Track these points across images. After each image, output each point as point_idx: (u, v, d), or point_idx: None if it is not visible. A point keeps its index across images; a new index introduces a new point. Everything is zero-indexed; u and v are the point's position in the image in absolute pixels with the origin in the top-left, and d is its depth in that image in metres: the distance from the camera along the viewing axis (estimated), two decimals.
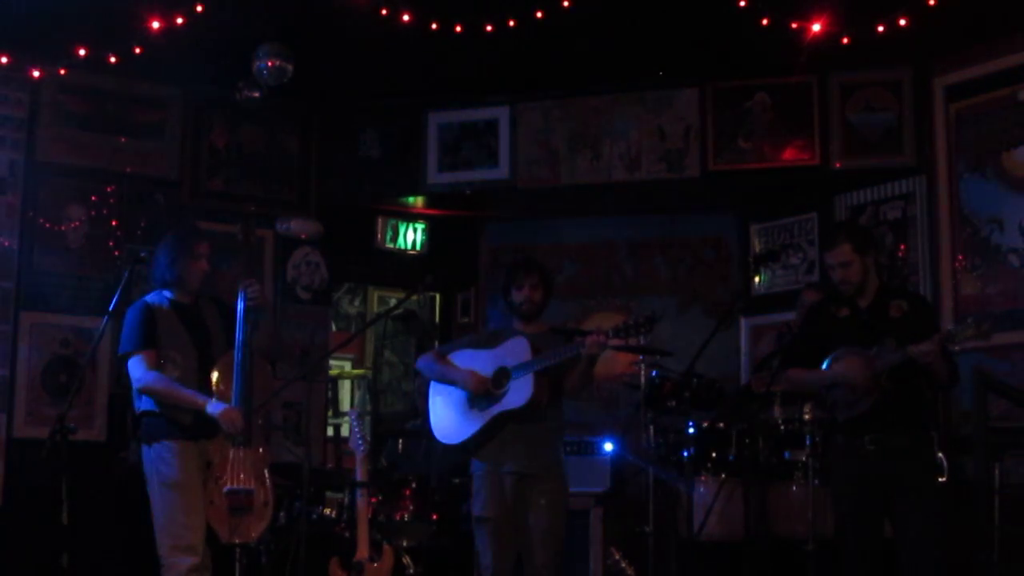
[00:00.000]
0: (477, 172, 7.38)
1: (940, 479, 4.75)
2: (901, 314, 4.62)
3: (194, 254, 4.97)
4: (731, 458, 5.96)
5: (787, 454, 5.90)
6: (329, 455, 7.36)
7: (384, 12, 6.14)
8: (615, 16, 6.26)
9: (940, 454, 4.83)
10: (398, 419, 8.11)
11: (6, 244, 6.43)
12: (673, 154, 7.03)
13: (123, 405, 6.20)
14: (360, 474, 5.48)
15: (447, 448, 5.14)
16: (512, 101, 7.32)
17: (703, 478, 5.98)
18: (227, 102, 6.96)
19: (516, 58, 6.71)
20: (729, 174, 6.97)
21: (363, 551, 5.35)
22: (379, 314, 8.30)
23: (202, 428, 4.82)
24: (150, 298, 4.98)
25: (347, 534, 5.59)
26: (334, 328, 8.38)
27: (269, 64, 6.39)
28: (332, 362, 8.31)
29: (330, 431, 7.69)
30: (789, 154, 6.81)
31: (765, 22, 6.06)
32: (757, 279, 7.46)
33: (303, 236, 7.18)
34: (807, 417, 5.60)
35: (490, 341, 5.02)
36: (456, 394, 5.00)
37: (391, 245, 7.99)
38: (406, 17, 6.19)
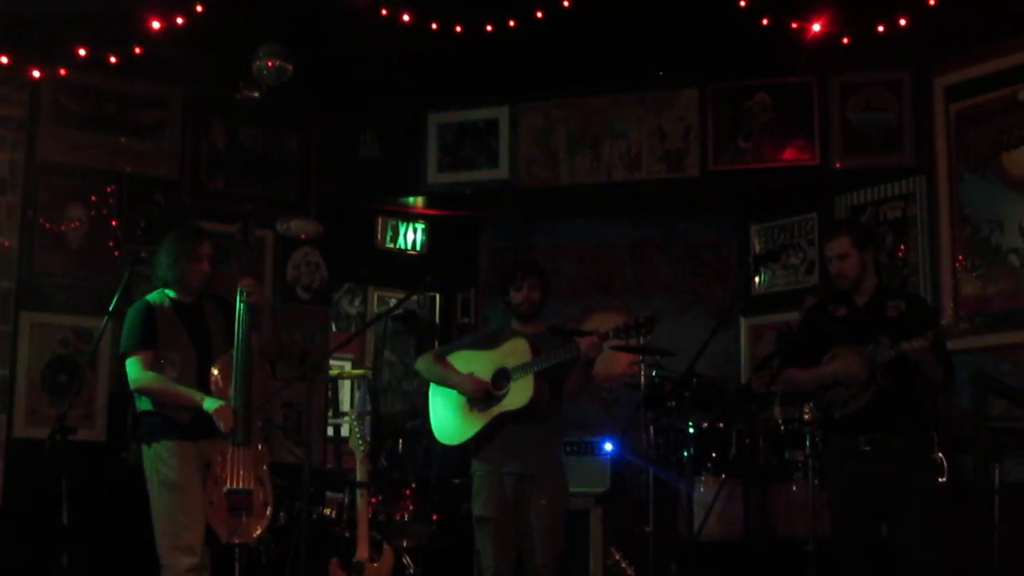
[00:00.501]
0: (477, 172, 7.37)
1: (940, 479, 4.75)
2: (899, 314, 4.62)
3: (195, 255, 4.96)
4: (731, 458, 5.96)
5: (787, 454, 5.91)
6: (329, 455, 7.36)
7: (384, 12, 6.15)
8: (615, 16, 6.26)
9: (940, 454, 4.83)
10: (398, 419, 8.10)
11: (6, 244, 6.43)
12: (673, 154, 7.03)
13: (123, 405, 6.21)
14: (360, 474, 5.48)
15: (447, 448, 5.14)
16: (512, 101, 7.32)
17: (703, 478, 5.99)
18: (227, 102, 6.95)
19: (516, 58, 6.71)
20: (729, 174, 6.97)
21: (363, 551, 5.35)
22: (379, 314, 8.29)
23: (201, 428, 4.82)
24: (152, 297, 4.98)
25: (347, 534, 5.59)
26: (334, 328, 8.38)
27: (269, 64, 6.39)
28: (332, 362, 8.29)
29: (330, 431, 7.68)
30: (789, 154, 6.81)
31: (765, 22, 6.07)
32: (757, 279, 7.46)
33: (303, 236, 7.18)
34: (807, 417, 5.61)
35: (489, 342, 5.02)
36: (456, 394, 5.00)
37: (391, 245, 7.99)
38: (406, 17, 6.19)
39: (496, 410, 4.85)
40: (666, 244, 7.81)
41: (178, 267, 4.94)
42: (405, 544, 5.83)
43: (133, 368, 4.84)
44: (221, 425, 4.78)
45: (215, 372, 4.91)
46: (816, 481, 5.40)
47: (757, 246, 7.44)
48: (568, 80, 7.13)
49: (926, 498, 4.53)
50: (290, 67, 6.42)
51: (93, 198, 6.72)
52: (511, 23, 6.28)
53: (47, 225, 6.57)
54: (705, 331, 5.19)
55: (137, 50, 6.24)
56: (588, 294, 7.88)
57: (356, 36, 6.44)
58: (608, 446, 6.48)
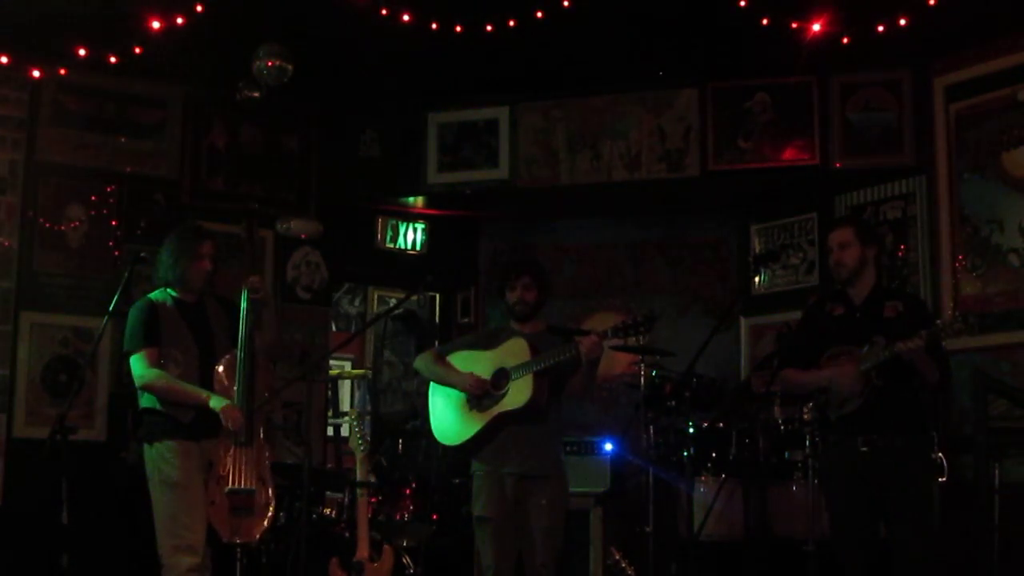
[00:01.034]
0: (477, 172, 7.37)
1: (940, 479, 4.75)
2: (896, 314, 4.61)
3: (197, 254, 4.96)
4: (731, 458, 5.97)
5: (787, 454, 5.91)
6: (329, 455, 7.36)
7: (384, 12, 6.15)
8: (614, 16, 6.26)
9: (940, 454, 4.83)
10: (398, 419, 8.11)
11: (6, 244, 6.43)
12: (673, 154, 7.03)
13: (123, 405, 6.21)
14: (360, 474, 5.48)
15: (447, 448, 5.14)
16: (512, 101, 7.32)
17: (703, 478, 6.00)
18: (227, 102, 6.96)
19: (516, 58, 6.71)
20: (729, 174, 6.97)
21: (363, 551, 5.35)
22: (379, 314, 8.31)
23: (203, 427, 4.82)
24: (154, 296, 4.99)
25: (347, 534, 5.59)
26: (334, 328, 8.38)
27: (269, 64, 6.39)
28: (332, 362, 8.31)
29: (330, 431, 7.69)
30: (789, 154, 6.81)
31: (765, 22, 6.07)
32: (757, 279, 7.46)
33: (303, 236, 7.19)
34: (807, 417, 5.61)
35: (489, 341, 5.02)
36: (456, 395, 4.99)
37: (391, 245, 7.99)
38: (406, 17, 6.19)
39: (496, 410, 4.84)
40: (666, 244, 7.81)
41: (180, 266, 4.95)
42: (405, 544, 5.84)
43: (138, 365, 4.84)
44: (229, 424, 4.79)
45: (220, 370, 4.91)
46: (816, 481, 5.40)
47: (757, 246, 7.44)
48: (568, 80, 7.13)
49: (923, 497, 4.52)
50: (290, 67, 6.43)
51: (93, 198, 6.72)
52: (511, 23, 6.28)
53: (47, 225, 6.57)
54: (705, 331, 5.19)
55: (137, 50, 6.24)
56: (588, 294, 7.88)
57: (356, 36, 6.44)
58: (608, 446, 6.47)
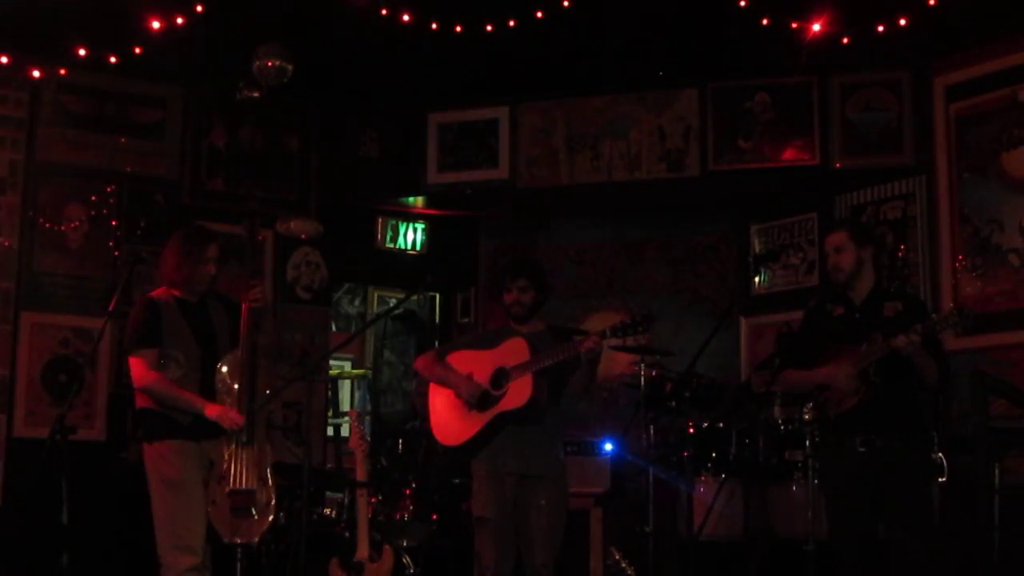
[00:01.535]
0: (477, 172, 7.37)
1: (940, 479, 4.75)
2: (895, 314, 4.62)
3: (203, 257, 4.92)
4: (731, 458, 5.96)
5: (787, 454, 5.91)
6: (329, 455, 7.36)
7: (384, 12, 6.15)
8: (614, 16, 6.26)
9: (939, 454, 4.83)
10: (398, 419, 8.11)
11: (6, 244, 6.44)
12: (673, 154, 7.03)
13: (123, 405, 6.21)
14: (360, 474, 5.48)
15: (447, 448, 5.14)
16: (512, 101, 7.32)
17: (703, 478, 5.99)
18: (227, 102, 6.96)
19: (516, 58, 6.71)
20: (729, 174, 6.97)
21: (363, 551, 5.35)
22: (379, 314, 8.31)
23: (202, 428, 4.81)
24: (157, 294, 4.97)
25: (347, 534, 5.59)
26: (334, 328, 8.38)
27: (269, 64, 6.39)
28: (332, 362, 8.30)
29: (330, 431, 7.69)
30: (789, 154, 6.81)
31: (765, 22, 6.07)
32: (757, 279, 7.46)
33: (303, 236, 7.18)
34: (807, 417, 5.60)
35: (489, 341, 5.02)
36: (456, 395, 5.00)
37: (391, 245, 7.99)
38: (406, 17, 6.20)
39: (495, 410, 4.84)
40: (666, 244, 7.81)
41: (185, 268, 4.90)
42: (405, 544, 5.83)
43: (138, 367, 4.83)
44: (230, 427, 4.77)
45: (224, 370, 4.90)
46: (816, 481, 5.40)
47: (757, 246, 7.44)
48: (568, 80, 7.13)
49: (922, 497, 4.53)
50: (290, 67, 6.42)
51: (93, 198, 6.72)
52: (511, 23, 6.28)
53: (47, 225, 6.58)
54: (705, 331, 5.19)
55: (137, 50, 6.24)
56: (588, 294, 7.88)
57: (356, 36, 6.44)
58: (608, 446, 6.47)
